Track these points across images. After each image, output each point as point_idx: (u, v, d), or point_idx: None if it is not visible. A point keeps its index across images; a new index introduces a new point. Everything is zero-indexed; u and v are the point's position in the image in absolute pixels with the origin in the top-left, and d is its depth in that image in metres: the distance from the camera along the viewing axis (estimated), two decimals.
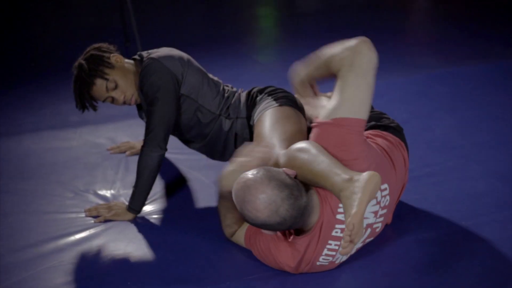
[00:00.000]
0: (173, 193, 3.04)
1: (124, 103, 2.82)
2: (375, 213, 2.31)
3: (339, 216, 2.23)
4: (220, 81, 2.96)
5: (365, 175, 2.05)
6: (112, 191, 3.04)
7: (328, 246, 2.27)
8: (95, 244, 2.61)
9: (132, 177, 3.13)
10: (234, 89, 2.98)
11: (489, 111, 3.95)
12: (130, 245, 2.60)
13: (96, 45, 2.84)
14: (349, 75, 2.26)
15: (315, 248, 2.26)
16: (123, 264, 2.49)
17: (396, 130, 2.62)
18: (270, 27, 7.20)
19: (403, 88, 4.42)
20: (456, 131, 3.65)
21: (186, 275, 2.40)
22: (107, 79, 2.75)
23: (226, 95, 2.89)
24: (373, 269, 2.39)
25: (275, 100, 2.77)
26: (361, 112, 2.26)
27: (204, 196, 3.01)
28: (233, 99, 2.88)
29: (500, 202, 2.84)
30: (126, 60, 2.85)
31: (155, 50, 2.84)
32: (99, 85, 2.76)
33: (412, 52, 5.51)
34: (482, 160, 3.25)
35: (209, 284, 2.34)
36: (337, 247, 2.28)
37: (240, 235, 2.50)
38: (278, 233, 2.30)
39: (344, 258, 2.35)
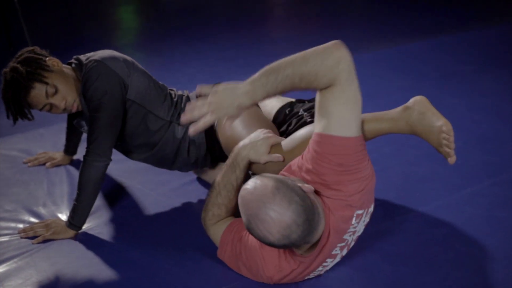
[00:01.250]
0: (112, 204, 2.82)
1: (64, 110, 2.55)
2: (366, 224, 2.23)
3: (346, 236, 2.13)
4: (165, 85, 2.76)
5: (416, 98, 2.29)
6: (42, 208, 2.78)
7: (324, 264, 2.18)
8: (41, 268, 2.36)
9: (59, 190, 2.92)
10: (180, 92, 2.79)
11: (404, 95, 3.99)
12: (82, 265, 2.38)
13: (29, 48, 2.57)
14: (334, 91, 1.98)
15: (309, 267, 2.15)
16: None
17: None
18: (138, 26, 6.96)
19: None
20: None
21: None
22: (46, 83, 2.48)
23: (174, 99, 2.70)
24: (346, 264, 2.32)
25: None
26: (351, 130, 2.03)
27: (145, 204, 2.82)
28: (183, 103, 2.70)
29: (447, 186, 2.87)
30: (63, 65, 2.60)
31: (93, 53, 2.60)
32: (38, 89, 2.48)
33: (322, 39, 5.51)
34: (415, 144, 3.23)
35: None
36: (331, 263, 2.21)
37: (217, 233, 2.31)
38: None
39: (328, 268, 2.26)
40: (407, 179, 2.92)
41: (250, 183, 1.98)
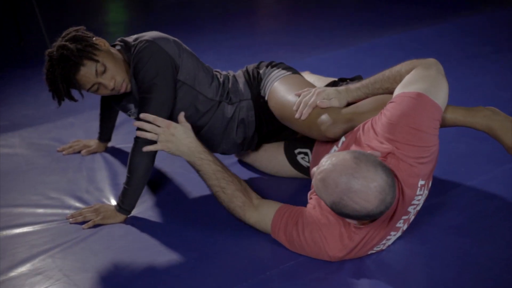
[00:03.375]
0: (156, 189, 2.79)
1: (112, 90, 2.50)
2: (425, 199, 2.24)
3: (410, 208, 2.14)
4: (210, 67, 2.74)
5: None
6: (86, 194, 2.75)
7: (387, 237, 2.17)
8: (97, 251, 2.33)
9: (100, 176, 2.91)
10: (224, 72, 2.77)
11: None
12: (139, 248, 2.35)
13: (75, 28, 2.52)
14: (429, 68, 2.21)
15: (373, 240, 2.14)
16: (143, 270, 2.24)
17: None
18: (135, 20, 6.87)
19: (336, 62, 4.39)
20: None
21: (219, 272, 2.20)
22: (97, 61, 2.42)
23: (221, 80, 2.68)
24: (407, 238, 2.31)
25: (284, 69, 2.64)
26: (444, 103, 2.17)
27: (190, 188, 2.79)
28: (230, 83, 2.68)
29: (490, 161, 2.87)
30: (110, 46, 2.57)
31: (140, 34, 2.56)
32: (88, 67, 2.42)
33: (331, 27, 5.50)
34: None
35: (253, 275, 2.16)
36: (393, 237, 2.20)
37: (267, 220, 2.29)
38: (330, 218, 2.13)
39: (390, 242, 2.25)
40: (450, 156, 2.92)
41: (325, 164, 1.97)
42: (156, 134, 2.33)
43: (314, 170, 2.04)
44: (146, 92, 2.45)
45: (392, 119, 2.10)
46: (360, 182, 1.89)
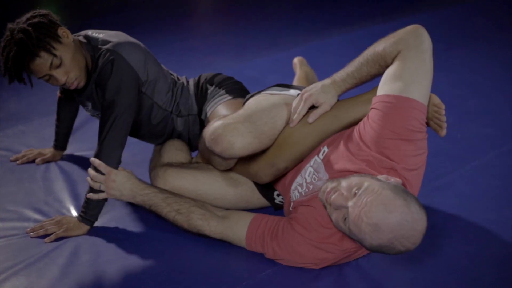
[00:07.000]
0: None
1: (63, 85, 2.42)
2: None
3: None
4: (169, 71, 2.68)
5: None
6: (45, 206, 2.62)
7: None
8: (63, 265, 2.22)
9: (58, 187, 2.80)
10: (181, 80, 2.71)
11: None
12: (107, 261, 2.25)
13: (43, 12, 2.40)
14: (409, 56, 2.04)
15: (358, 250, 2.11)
16: (113, 284, 2.15)
17: None
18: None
19: (288, 62, 4.32)
20: None
21: (193, 284, 2.13)
22: (54, 55, 2.33)
23: (175, 89, 2.62)
24: None
25: (227, 92, 2.59)
26: (425, 98, 2.04)
27: None
28: (182, 94, 2.64)
29: (455, 159, 2.90)
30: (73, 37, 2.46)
31: (107, 34, 2.47)
32: (44, 59, 2.32)
33: (279, 26, 5.46)
34: None
35: (229, 286, 2.10)
36: None
37: (238, 229, 2.23)
38: (319, 230, 2.08)
39: None
40: None
41: (369, 204, 1.82)
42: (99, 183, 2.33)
43: (349, 204, 1.87)
44: (107, 108, 2.39)
45: (381, 132, 2.00)
46: (413, 227, 1.81)
